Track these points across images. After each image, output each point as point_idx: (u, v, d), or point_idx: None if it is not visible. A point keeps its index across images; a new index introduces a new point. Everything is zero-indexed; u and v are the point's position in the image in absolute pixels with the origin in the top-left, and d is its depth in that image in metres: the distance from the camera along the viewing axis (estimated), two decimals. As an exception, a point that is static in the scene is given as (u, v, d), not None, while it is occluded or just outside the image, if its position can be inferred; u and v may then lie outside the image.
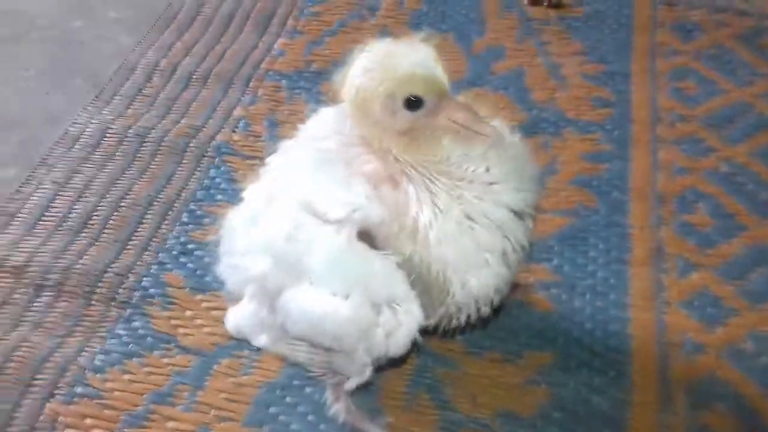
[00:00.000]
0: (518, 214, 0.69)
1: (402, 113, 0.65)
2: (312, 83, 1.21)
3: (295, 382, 0.83)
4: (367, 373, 0.73)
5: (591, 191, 1.04)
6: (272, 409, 0.81)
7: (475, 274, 0.68)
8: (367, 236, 0.67)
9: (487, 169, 0.68)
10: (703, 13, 1.30)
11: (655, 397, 0.82)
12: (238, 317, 0.80)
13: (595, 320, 0.90)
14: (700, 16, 1.30)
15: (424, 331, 0.72)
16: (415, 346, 0.72)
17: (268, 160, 0.78)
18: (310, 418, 0.80)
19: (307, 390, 0.82)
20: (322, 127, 0.74)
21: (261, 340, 0.79)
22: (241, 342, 0.85)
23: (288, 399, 0.82)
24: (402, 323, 0.68)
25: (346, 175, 0.68)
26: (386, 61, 0.65)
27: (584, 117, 1.15)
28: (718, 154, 1.09)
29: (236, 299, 0.80)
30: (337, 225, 0.66)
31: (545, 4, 1.32)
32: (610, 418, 0.81)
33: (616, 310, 0.91)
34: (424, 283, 0.68)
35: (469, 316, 0.72)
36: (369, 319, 0.67)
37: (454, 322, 0.72)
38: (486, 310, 0.72)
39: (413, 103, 0.65)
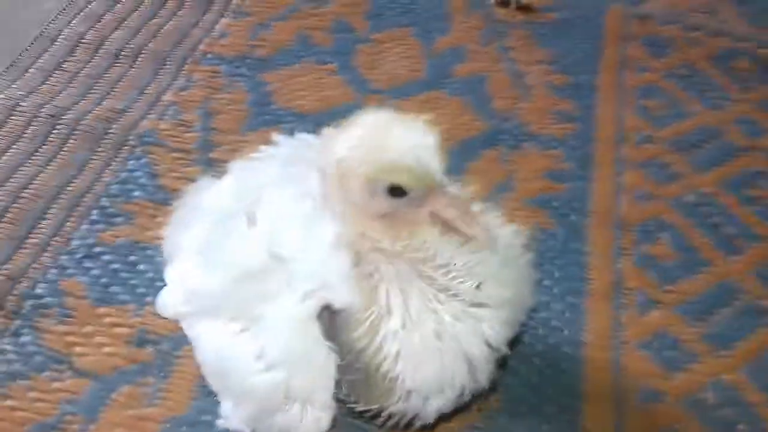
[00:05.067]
0: (495, 349, 0.62)
1: (382, 198, 0.57)
2: (254, 71, 1.10)
3: (205, 418, 0.73)
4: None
5: (549, 212, 0.96)
6: (176, 450, 0.71)
7: (425, 396, 0.62)
8: (330, 309, 0.60)
9: (478, 287, 0.60)
10: (677, 29, 1.23)
11: (608, 451, 0.75)
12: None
13: (547, 358, 0.81)
14: (673, 32, 1.23)
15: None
16: None
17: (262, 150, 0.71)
18: (218, 461, 0.70)
19: (219, 427, 0.71)
20: (304, 160, 0.66)
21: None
22: (146, 367, 0.74)
23: (196, 437, 0.71)
24: (304, 426, 0.61)
25: (331, 241, 0.60)
26: (374, 141, 0.57)
27: (546, 131, 1.06)
28: (685, 181, 1.02)
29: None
30: (304, 295, 0.59)
31: (513, 6, 1.24)
32: (558, 473, 0.73)
33: (571, 348, 0.83)
34: (368, 377, 0.61)
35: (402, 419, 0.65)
36: (277, 402, 0.60)
37: (385, 418, 0.66)
38: (423, 423, 0.66)
39: (396, 192, 0.57)
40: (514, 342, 0.66)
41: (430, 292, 0.59)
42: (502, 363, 0.66)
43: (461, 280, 0.60)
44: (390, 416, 0.64)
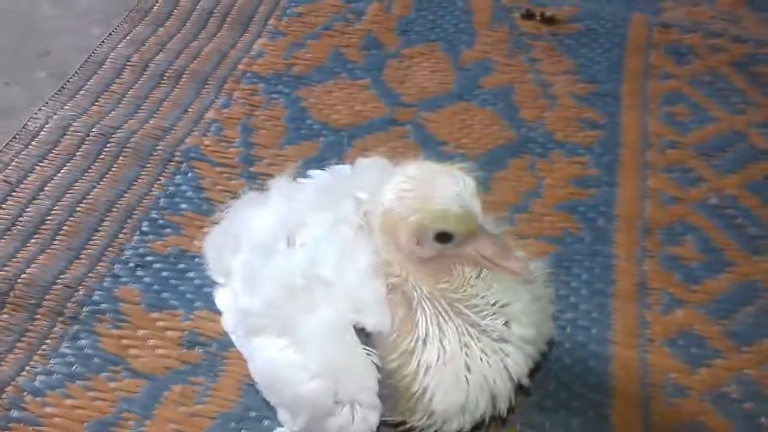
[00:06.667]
0: (516, 382, 0.67)
1: (429, 244, 0.63)
2: (291, 88, 1.15)
3: (252, 414, 0.77)
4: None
5: (577, 217, 1.00)
6: (226, 443, 0.75)
7: (448, 418, 0.66)
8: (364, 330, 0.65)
9: (506, 324, 0.65)
10: (698, 36, 1.26)
11: (636, 444, 0.78)
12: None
13: (575, 356, 0.85)
14: (694, 40, 1.25)
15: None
16: None
17: (302, 181, 0.78)
18: (266, 454, 0.75)
19: (265, 423, 0.76)
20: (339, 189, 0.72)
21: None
22: (196, 368, 0.79)
23: (243, 432, 0.76)
24: (356, 425, 0.65)
25: (365, 268, 0.65)
26: (422, 191, 0.62)
27: (573, 139, 1.10)
28: (708, 184, 1.04)
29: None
30: (340, 313, 0.64)
31: (538, 18, 1.27)
32: (586, 465, 0.76)
33: (598, 346, 0.86)
34: (394, 392, 0.65)
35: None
36: (327, 407, 0.64)
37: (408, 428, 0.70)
38: None
39: (443, 237, 0.62)
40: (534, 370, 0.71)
41: (464, 328, 0.64)
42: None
43: (492, 317, 0.65)
44: (413, 428, 0.68)
